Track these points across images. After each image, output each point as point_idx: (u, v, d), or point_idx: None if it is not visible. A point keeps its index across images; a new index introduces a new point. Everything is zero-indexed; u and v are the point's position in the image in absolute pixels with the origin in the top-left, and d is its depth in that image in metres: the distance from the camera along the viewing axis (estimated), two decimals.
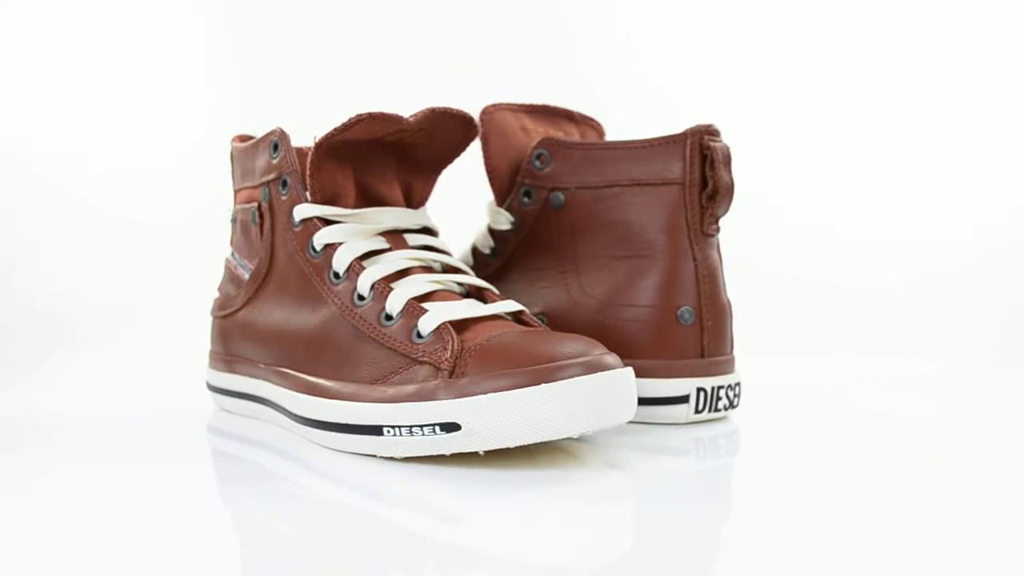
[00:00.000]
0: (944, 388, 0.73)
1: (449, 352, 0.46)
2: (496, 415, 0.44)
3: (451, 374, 0.46)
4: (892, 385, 0.74)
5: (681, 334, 0.56)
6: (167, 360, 0.84)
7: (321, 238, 0.52)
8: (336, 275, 0.51)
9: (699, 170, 0.56)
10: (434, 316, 0.48)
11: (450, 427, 0.45)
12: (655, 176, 0.57)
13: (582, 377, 0.45)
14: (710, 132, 0.56)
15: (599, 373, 0.45)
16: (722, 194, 0.56)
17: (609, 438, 0.53)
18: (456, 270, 0.54)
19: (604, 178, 0.58)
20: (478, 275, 0.63)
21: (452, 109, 0.52)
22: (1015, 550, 0.36)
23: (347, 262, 0.51)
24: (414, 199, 0.57)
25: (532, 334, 0.48)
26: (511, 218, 0.61)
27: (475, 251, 0.64)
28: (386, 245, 0.53)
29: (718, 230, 0.58)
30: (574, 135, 0.65)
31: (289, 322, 0.54)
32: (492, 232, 0.62)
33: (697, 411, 0.56)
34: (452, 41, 1.18)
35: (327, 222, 0.52)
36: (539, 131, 0.63)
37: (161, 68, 1.16)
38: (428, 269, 0.53)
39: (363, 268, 0.51)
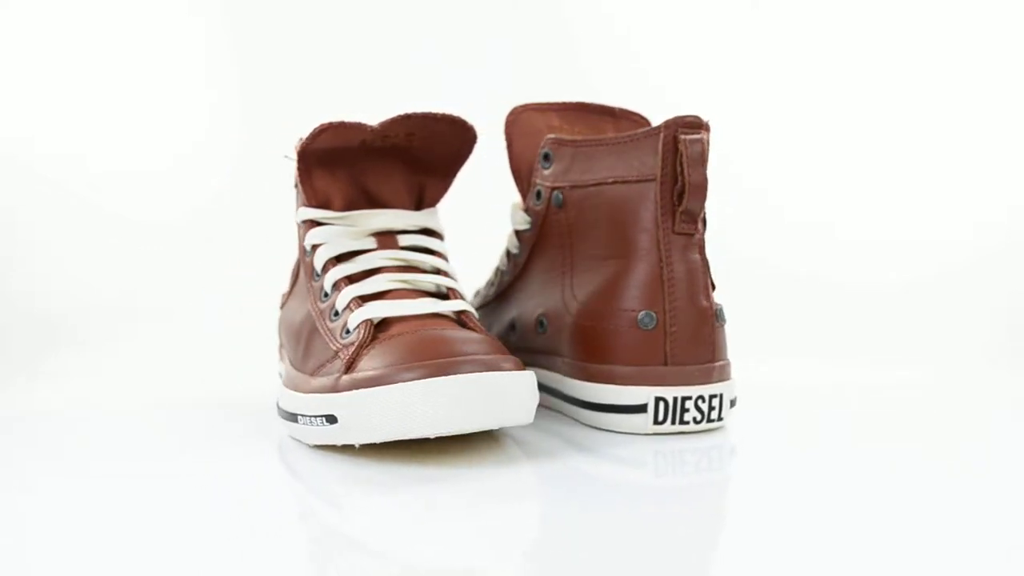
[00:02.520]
0: (944, 388, 0.73)
1: (354, 347, 0.47)
2: (363, 410, 0.45)
3: (347, 369, 0.47)
4: (891, 385, 0.74)
5: (641, 340, 0.52)
6: (167, 360, 0.84)
7: (310, 239, 0.54)
8: (317, 274, 0.54)
9: (671, 166, 0.52)
10: (361, 313, 0.49)
11: (331, 419, 0.47)
12: (634, 172, 0.54)
13: (454, 377, 0.44)
14: (686, 124, 0.52)
15: (474, 374, 0.44)
16: (690, 191, 0.51)
17: (570, 439, 0.52)
18: (442, 272, 0.55)
19: (593, 176, 0.56)
20: (508, 276, 0.64)
21: (436, 113, 0.53)
22: (1015, 550, 0.36)
23: (323, 261, 0.53)
24: (426, 201, 0.57)
25: (440, 332, 0.47)
26: (527, 218, 0.61)
27: (508, 252, 0.64)
28: (373, 246, 0.54)
29: (697, 229, 0.53)
30: (608, 132, 0.62)
31: (294, 316, 0.57)
32: (516, 233, 0.63)
33: (657, 422, 0.52)
34: (452, 41, 1.18)
35: (317, 224, 0.54)
36: (566, 129, 0.61)
37: (161, 68, 1.16)
38: (409, 269, 0.53)
39: (333, 266, 0.53)
